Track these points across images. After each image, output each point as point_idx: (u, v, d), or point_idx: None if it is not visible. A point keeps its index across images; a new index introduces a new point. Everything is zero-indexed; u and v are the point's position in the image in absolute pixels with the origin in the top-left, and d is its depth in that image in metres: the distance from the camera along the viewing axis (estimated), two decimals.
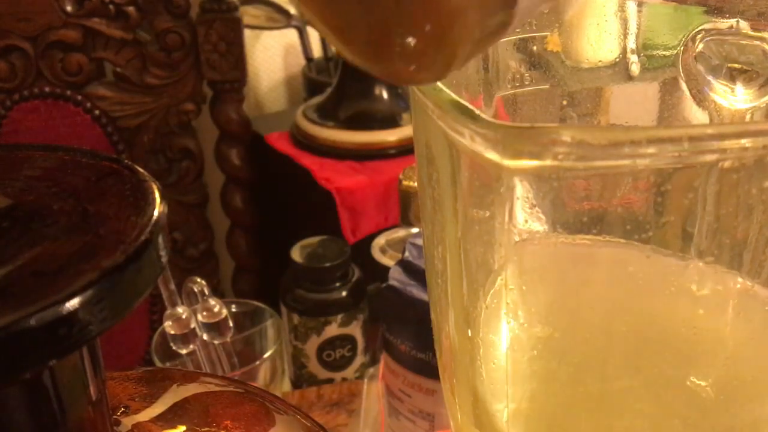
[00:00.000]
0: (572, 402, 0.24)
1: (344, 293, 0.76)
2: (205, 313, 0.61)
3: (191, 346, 0.60)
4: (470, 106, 0.20)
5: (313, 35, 1.19)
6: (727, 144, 0.18)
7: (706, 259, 0.25)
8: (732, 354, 0.24)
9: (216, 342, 0.62)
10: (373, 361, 0.76)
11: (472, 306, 0.25)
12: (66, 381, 0.17)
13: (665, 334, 0.25)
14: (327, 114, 1.05)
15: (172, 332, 0.59)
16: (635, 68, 0.30)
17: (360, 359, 0.79)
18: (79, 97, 1.00)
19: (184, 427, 0.22)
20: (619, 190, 0.25)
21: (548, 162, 0.18)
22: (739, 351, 0.24)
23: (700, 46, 0.28)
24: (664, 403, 0.23)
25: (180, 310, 0.59)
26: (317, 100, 1.09)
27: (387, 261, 0.71)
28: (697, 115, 0.29)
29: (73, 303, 0.14)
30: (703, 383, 0.24)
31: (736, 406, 0.24)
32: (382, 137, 1.02)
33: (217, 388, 0.24)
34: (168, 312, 0.59)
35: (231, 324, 0.62)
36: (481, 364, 0.25)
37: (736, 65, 0.28)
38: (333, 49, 1.12)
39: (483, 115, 0.20)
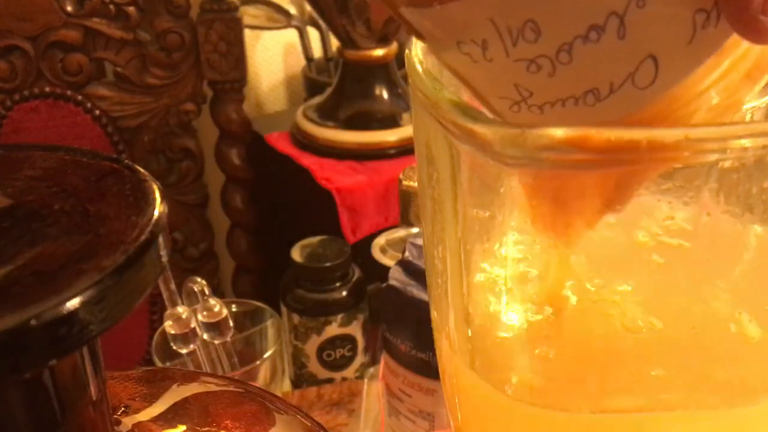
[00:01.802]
0: (572, 397, 0.24)
1: (344, 293, 0.76)
2: (205, 313, 0.61)
3: (191, 346, 0.60)
4: (470, 106, 0.20)
5: (313, 35, 1.19)
6: (727, 144, 0.18)
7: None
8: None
9: (216, 342, 0.62)
10: (373, 361, 0.76)
11: (471, 306, 0.25)
12: (66, 381, 0.17)
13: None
14: (327, 114, 1.05)
15: (173, 332, 0.59)
16: None
17: (360, 359, 0.79)
18: (80, 97, 1.00)
19: (184, 427, 0.22)
20: None
21: (548, 162, 0.18)
22: None
23: None
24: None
25: (180, 309, 0.59)
26: (317, 100, 1.09)
27: (387, 261, 0.70)
28: None
29: (73, 303, 0.14)
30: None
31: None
32: (382, 137, 1.02)
33: (217, 388, 0.24)
34: (168, 312, 0.59)
35: (231, 324, 0.62)
36: (480, 363, 0.25)
37: None
38: (333, 48, 1.10)
39: (483, 115, 0.20)
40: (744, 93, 0.20)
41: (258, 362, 0.61)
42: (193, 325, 0.59)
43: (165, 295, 0.58)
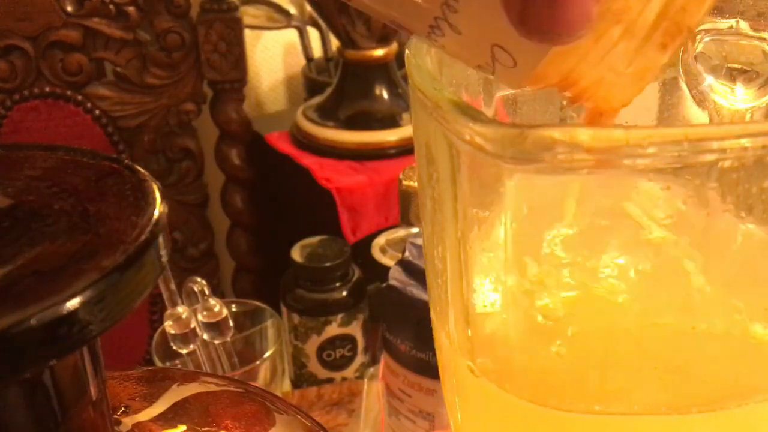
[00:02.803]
0: (572, 397, 0.24)
1: (344, 293, 0.76)
2: (205, 313, 0.61)
3: (191, 346, 0.60)
4: (470, 106, 0.20)
5: (313, 35, 1.19)
6: (727, 144, 0.18)
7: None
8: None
9: (216, 342, 0.62)
10: (373, 361, 0.76)
11: (472, 306, 0.25)
12: (66, 381, 0.17)
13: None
14: (327, 114, 1.05)
15: (173, 332, 0.59)
16: None
17: (360, 359, 0.79)
18: (80, 97, 1.00)
19: (184, 427, 0.22)
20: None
21: (547, 162, 0.18)
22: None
23: (700, 46, 0.28)
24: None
25: (180, 309, 0.59)
26: (317, 100, 1.09)
27: (387, 261, 0.71)
28: (697, 115, 0.29)
29: (73, 303, 0.14)
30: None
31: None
32: (382, 137, 1.02)
33: (217, 388, 0.24)
34: (168, 312, 0.59)
35: (231, 324, 0.62)
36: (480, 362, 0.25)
37: (736, 65, 0.28)
38: (333, 48, 1.10)
39: (483, 115, 0.20)
40: (656, 59, 0.20)
41: (258, 362, 0.61)
42: (193, 325, 0.59)
43: (165, 295, 0.58)
